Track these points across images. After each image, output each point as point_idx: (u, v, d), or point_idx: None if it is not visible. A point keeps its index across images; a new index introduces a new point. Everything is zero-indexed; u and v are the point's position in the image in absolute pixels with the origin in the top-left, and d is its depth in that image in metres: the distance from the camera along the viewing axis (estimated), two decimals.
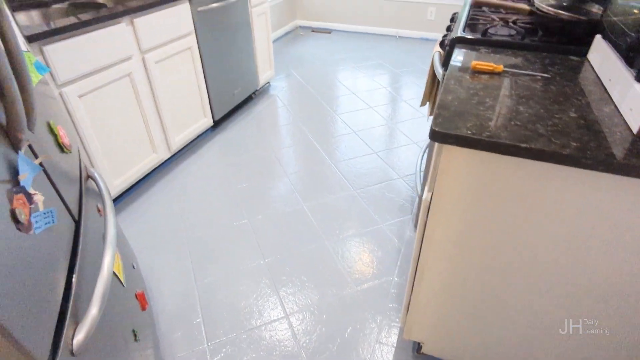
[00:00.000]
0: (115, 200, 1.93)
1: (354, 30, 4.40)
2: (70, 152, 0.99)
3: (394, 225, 1.79)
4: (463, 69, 1.03)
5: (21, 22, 1.74)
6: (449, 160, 0.80)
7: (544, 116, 0.80)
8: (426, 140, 2.33)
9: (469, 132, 0.74)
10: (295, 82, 3.27)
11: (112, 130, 1.76)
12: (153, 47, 1.88)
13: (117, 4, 1.87)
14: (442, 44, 1.43)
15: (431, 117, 1.89)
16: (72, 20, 1.51)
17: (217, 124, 2.57)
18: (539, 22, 1.22)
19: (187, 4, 2.02)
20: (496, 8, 1.45)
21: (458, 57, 1.12)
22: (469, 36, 1.22)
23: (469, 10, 1.46)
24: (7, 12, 0.79)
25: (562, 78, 0.98)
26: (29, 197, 0.67)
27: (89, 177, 1.13)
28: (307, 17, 4.55)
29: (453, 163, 0.80)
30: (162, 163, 2.17)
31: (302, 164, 2.24)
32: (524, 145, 0.70)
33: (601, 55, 0.99)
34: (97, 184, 1.11)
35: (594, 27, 1.10)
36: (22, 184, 0.65)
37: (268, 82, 3.15)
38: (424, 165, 1.83)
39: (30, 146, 0.74)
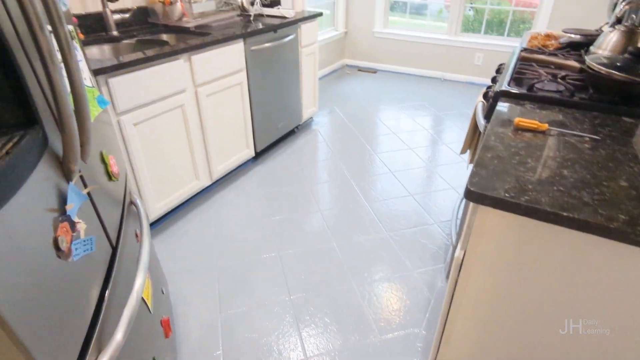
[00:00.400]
0: (155, 223, 2.02)
1: (399, 71, 4.47)
2: (117, 180, 1.06)
3: (426, 273, 1.73)
4: (505, 124, 1.00)
5: (94, 56, 1.93)
6: (484, 221, 0.76)
7: (591, 183, 0.75)
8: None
9: (506, 194, 0.71)
10: (337, 118, 3.33)
11: (160, 157, 1.86)
12: (206, 82, 2.00)
13: (180, 42, 2.03)
14: (485, 95, 1.42)
15: (471, 165, 1.85)
16: (137, 55, 1.65)
17: (259, 155, 2.66)
18: (590, 80, 1.18)
19: (242, 43, 2.16)
20: (545, 64, 1.42)
21: (501, 111, 1.09)
22: (514, 90, 1.20)
23: (516, 63, 1.44)
24: (76, 53, 0.88)
25: (613, 141, 0.93)
26: (73, 225, 0.71)
27: (131, 202, 1.20)
28: (355, 57, 4.68)
29: (488, 225, 0.77)
30: (202, 190, 2.25)
31: (337, 200, 2.24)
32: (566, 214, 0.66)
33: None
34: (138, 210, 1.17)
35: None
36: (68, 213, 0.70)
37: (311, 117, 3.23)
38: (461, 213, 1.77)
39: (81, 176, 0.80)
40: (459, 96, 3.80)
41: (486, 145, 0.89)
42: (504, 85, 1.24)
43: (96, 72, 1.48)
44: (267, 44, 2.33)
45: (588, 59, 1.19)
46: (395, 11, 4.53)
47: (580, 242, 0.69)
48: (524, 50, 1.66)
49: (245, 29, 2.23)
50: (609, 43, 1.40)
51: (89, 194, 0.83)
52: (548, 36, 1.69)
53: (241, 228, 2.03)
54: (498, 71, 1.64)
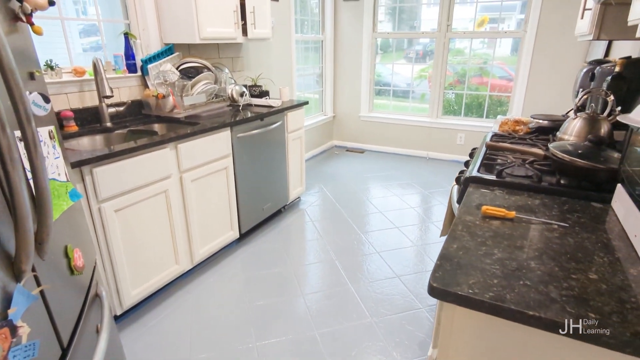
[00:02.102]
0: (130, 311, 1.91)
1: (386, 150, 4.64)
2: (81, 274, 1.02)
3: None
4: (473, 212, 1.01)
5: (84, 146, 2.00)
6: (451, 318, 0.73)
7: (559, 276, 0.74)
8: None
9: (470, 290, 0.69)
10: (325, 198, 3.37)
11: (140, 242, 1.83)
12: (191, 168, 2.05)
13: (169, 131, 2.12)
14: (458, 180, 1.45)
15: None
16: (123, 146, 1.71)
17: (244, 236, 2.62)
18: (555, 166, 1.22)
19: (228, 131, 2.26)
20: (510, 152, 1.48)
21: (470, 198, 1.11)
22: (484, 176, 1.23)
23: (486, 149, 1.51)
24: (53, 151, 0.91)
25: (582, 229, 0.93)
26: (14, 330, 0.67)
27: (97, 295, 1.14)
28: (343, 138, 4.90)
29: (457, 322, 0.73)
30: (183, 274, 2.18)
31: (321, 284, 2.16)
32: (532, 312, 0.64)
33: (625, 207, 0.95)
34: (102, 304, 1.11)
35: (615, 174, 1.08)
36: (10, 317, 0.66)
37: (298, 197, 3.27)
38: None
39: (35, 275, 0.77)
40: (443, 174, 3.90)
41: (452, 235, 0.88)
42: (474, 171, 1.27)
43: (80, 163, 1.52)
44: (253, 131, 2.44)
45: (551, 146, 1.25)
46: (382, 95, 4.85)
47: (551, 343, 0.65)
48: (495, 135, 1.74)
49: (233, 117, 2.36)
50: (573, 129, 1.48)
51: (41, 292, 0.79)
52: (517, 122, 1.80)
53: (220, 315, 1.92)
54: (471, 155, 1.70)
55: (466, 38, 4.11)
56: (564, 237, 0.89)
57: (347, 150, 4.78)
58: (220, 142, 2.21)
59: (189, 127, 2.11)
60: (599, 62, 1.96)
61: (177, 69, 2.44)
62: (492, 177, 1.22)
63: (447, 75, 4.24)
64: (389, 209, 3.13)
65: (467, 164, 1.58)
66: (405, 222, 2.89)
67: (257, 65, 3.38)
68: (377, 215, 3.02)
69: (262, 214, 2.71)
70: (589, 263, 0.78)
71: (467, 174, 1.27)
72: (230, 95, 2.67)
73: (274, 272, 2.27)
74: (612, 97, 1.44)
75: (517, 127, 1.78)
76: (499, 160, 1.39)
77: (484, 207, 0.99)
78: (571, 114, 1.97)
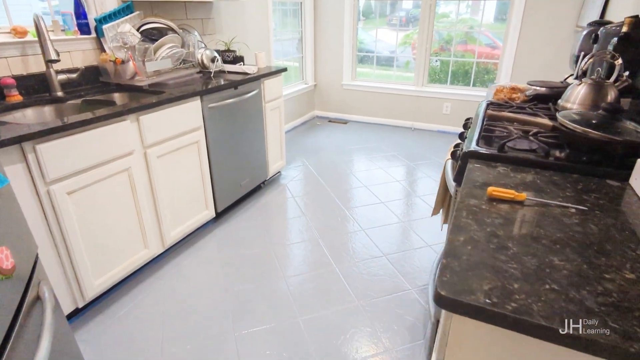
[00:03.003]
0: (94, 302, 1.75)
1: (370, 121, 4.47)
2: (10, 277, 0.84)
3: (403, 352, 1.51)
4: (477, 195, 0.86)
5: (28, 119, 1.75)
6: (460, 334, 0.59)
7: (590, 276, 0.61)
8: (442, 243, 2.12)
9: (487, 300, 0.55)
10: (307, 172, 3.21)
11: (100, 227, 1.64)
12: (157, 142, 1.84)
13: (131, 101, 1.89)
14: (454, 154, 1.30)
15: (446, 226, 1.71)
16: (76, 118, 1.49)
17: (220, 215, 2.46)
18: (565, 138, 1.09)
19: (198, 101, 2.04)
20: (514, 122, 1.33)
21: (472, 176, 0.97)
22: (484, 151, 1.09)
23: (484, 119, 1.36)
24: None
25: (604, 212, 0.80)
26: None
27: (38, 297, 0.97)
28: (325, 108, 4.68)
29: (467, 339, 0.59)
30: (155, 258, 2.01)
31: (304, 265, 2.03)
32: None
33: None
34: (43, 308, 0.94)
35: (634, 148, 0.95)
36: None
37: (279, 172, 3.09)
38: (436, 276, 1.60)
39: None
40: (429, 145, 3.78)
41: (457, 224, 0.74)
42: (472, 145, 1.13)
43: (21, 139, 1.30)
44: (227, 101, 2.22)
45: (560, 116, 1.11)
46: (365, 63, 4.62)
47: None
48: (491, 104, 1.59)
49: (204, 86, 2.13)
50: (577, 96, 1.34)
51: None
52: (514, 89, 1.65)
53: (194, 303, 1.78)
54: (465, 126, 1.55)
55: (453, 0, 3.88)
56: (585, 224, 0.76)
57: (329, 121, 4.58)
58: (189, 113, 1.99)
59: (154, 96, 1.88)
60: (599, 24, 1.81)
61: (137, 30, 2.16)
62: (494, 152, 1.08)
63: (433, 42, 4.03)
64: (374, 182, 3.00)
65: (462, 136, 1.44)
66: (391, 197, 2.77)
67: (231, 28, 3.10)
68: (362, 189, 2.89)
69: (239, 190, 2.54)
70: (622, 258, 0.65)
71: (465, 149, 1.12)
72: (200, 61, 2.42)
73: (254, 254, 2.13)
74: (619, 61, 1.30)
75: (514, 95, 1.63)
76: (497, 132, 1.25)
77: (489, 189, 0.85)
78: (571, 80, 1.83)
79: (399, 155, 3.54)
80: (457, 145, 1.36)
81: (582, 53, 1.59)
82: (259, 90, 2.53)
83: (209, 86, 2.12)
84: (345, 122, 4.54)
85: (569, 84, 1.72)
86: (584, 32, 1.72)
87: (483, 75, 4.20)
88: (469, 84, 4.09)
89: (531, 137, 1.15)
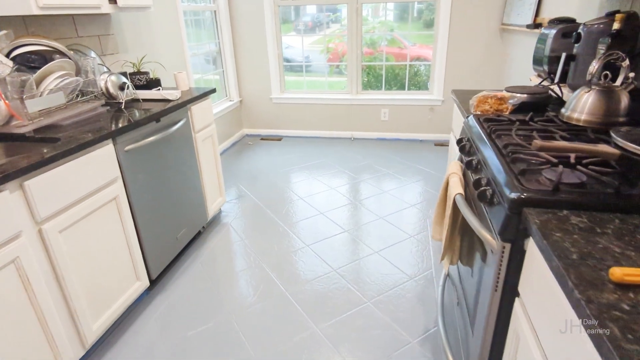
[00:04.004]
0: None
1: (306, 135, 4.17)
2: None
3: None
4: (595, 282, 0.59)
5: None
6: None
7: None
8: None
9: None
10: (249, 202, 2.79)
11: None
12: (57, 212, 1.32)
13: (8, 158, 1.34)
14: (482, 196, 1.02)
15: (452, 268, 1.47)
16: None
17: (156, 281, 1.95)
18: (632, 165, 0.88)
19: (110, 145, 1.54)
20: (568, 153, 1.04)
21: (556, 246, 0.69)
22: (543, 196, 0.82)
23: (504, 147, 1.12)
24: None
25: None
26: None
27: None
28: (255, 126, 4.27)
29: None
30: None
31: (275, 334, 1.65)
32: None
33: None
34: None
35: None
36: None
37: (219, 210, 2.64)
38: (443, 299, 1.35)
39: None
40: (373, 155, 3.60)
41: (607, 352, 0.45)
42: (512, 183, 0.87)
43: None
44: (148, 139, 1.74)
45: (619, 137, 0.90)
46: (293, 71, 4.30)
47: None
48: (485, 120, 1.37)
49: (115, 123, 1.62)
50: (585, 105, 1.18)
51: None
52: (501, 99, 1.46)
53: None
54: (463, 150, 1.32)
55: (380, 2, 3.76)
56: None
57: (261, 139, 4.18)
58: (99, 163, 1.48)
59: (43, 147, 1.35)
60: (561, 21, 1.72)
61: (7, 55, 1.58)
62: (562, 197, 0.81)
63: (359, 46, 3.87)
64: (327, 206, 2.70)
65: (469, 164, 1.19)
66: (351, 222, 2.49)
67: (137, 45, 2.56)
68: (319, 217, 2.57)
69: (176, 245, 2.05)
70: None
71: (510, 192, 0.85)
72: (104, 90, 1.89)
73: (207, 330, 1.68)
74: (627, 62, 1.16)
75: (502, 106, 1.44)
76: (527, 159, 0.97)
77: (617, 272, 0.58)
78: (547, 84, 1.72)
79: (343, 169, 3.30)
80: (478, 185, 1.10)
81: (565, 54, 1.45)
82: (186, 119, 2.07)
83: (122, 123, 1.62)
84: (279, 138, 4.18)
85: (547, 89, 1.60)
86: (552, 31, 1.61)
87: (414, 78, 4.16)
88: (403, 87, 4.01)
89: (579, 167, 0.91)
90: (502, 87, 3.24)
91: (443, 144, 3.79)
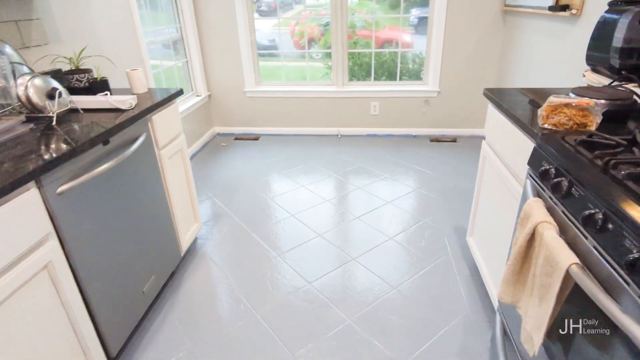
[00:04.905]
0: None
1: (287, 132, 3.70)
2: None
3: None
4: None
5: None
6: None
7: None
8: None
9: None
10: (228, 222, 2.34)
11: None
12: None
13: None
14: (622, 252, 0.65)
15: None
16: None
17: (119, 355, 1.47)
18: None
19: (34, 189, 1.03)
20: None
21: None
22: None
23: (626, 184, 0.74)
24: None
25: None
26: None
27: None
28: (227, 124, 3.75)
29: None
30: None
31: None
32: None
33: None
34: None
35: None
36: None
37: (195, 238, 2.15)
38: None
39: None
40: (362, 154, 3.20)
41: None
42: None
43: None
44: (93, 171, 1.24)
45: None
46: (271, 57, 3.78)
47: None
48: (562, 138, 0.99)
49: (39, 152, 1.11)
50: None
51: None
52: (584, 112, 1.07)
53: None
54: (544, 176, 0.94)
55: None
56: None
57: (235, 139, 3.67)
58: (18, 217, 0.98)
59: None
60: (629, 2, 1.37)
61: None
62: None
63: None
64: (324, 225, 2.29)
65: (564, 198, 0.81)
66: (359, 248, 2.10)
67: (74, 34, 1.99)
68: (317, 241, 2.15)
69: (144, 301, 1.58)
70: None
71: None
72: (25, 100, 1.35)
73: None
74: None
75: (585, 120, 1.07)
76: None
77: None
78: (633, 86, 1.36)
79: (331, 172, 2.89)
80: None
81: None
82: (147, 134, 1.57)
83: (52, 151, 1.12)
84: (256, 137, 3.69)
85: (631, 93, 1.24)
86: (629, 17, 1.25)
87: (406, 66, 3.77)
88: (392, 77, 3.60)
89: None
90: (505, 77, 2.91)
91: (439, 140, 3.45)
